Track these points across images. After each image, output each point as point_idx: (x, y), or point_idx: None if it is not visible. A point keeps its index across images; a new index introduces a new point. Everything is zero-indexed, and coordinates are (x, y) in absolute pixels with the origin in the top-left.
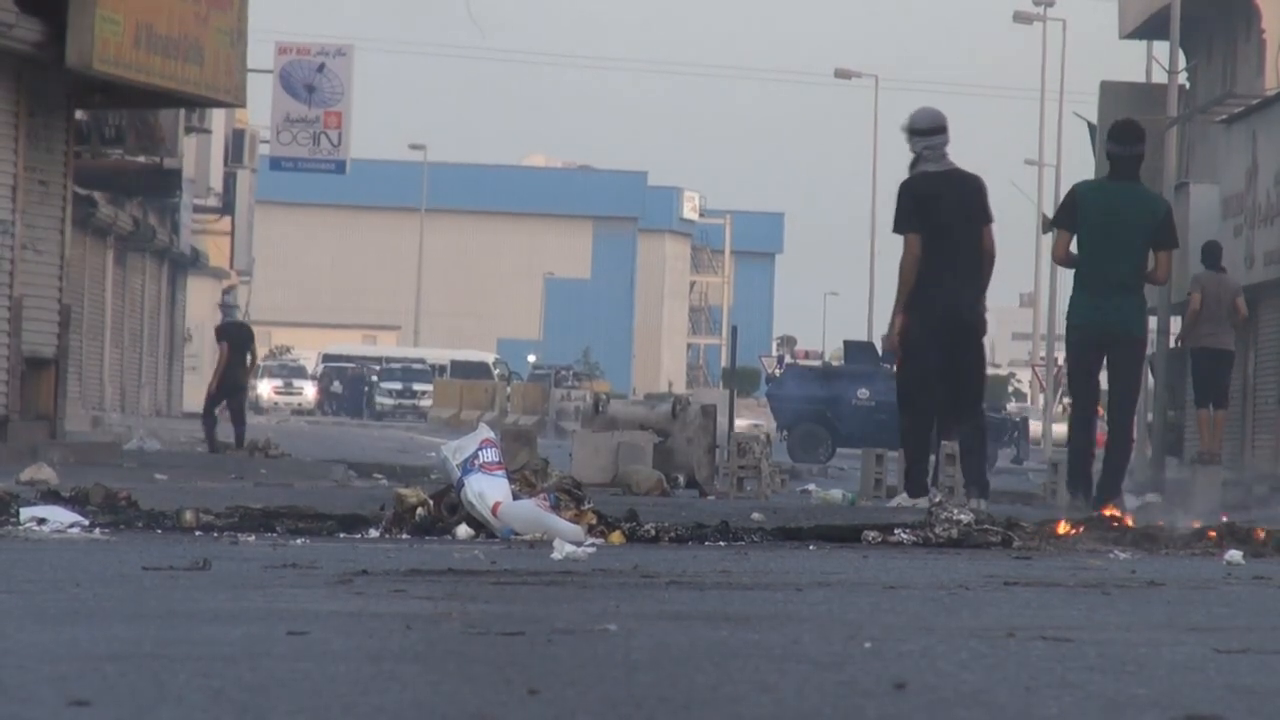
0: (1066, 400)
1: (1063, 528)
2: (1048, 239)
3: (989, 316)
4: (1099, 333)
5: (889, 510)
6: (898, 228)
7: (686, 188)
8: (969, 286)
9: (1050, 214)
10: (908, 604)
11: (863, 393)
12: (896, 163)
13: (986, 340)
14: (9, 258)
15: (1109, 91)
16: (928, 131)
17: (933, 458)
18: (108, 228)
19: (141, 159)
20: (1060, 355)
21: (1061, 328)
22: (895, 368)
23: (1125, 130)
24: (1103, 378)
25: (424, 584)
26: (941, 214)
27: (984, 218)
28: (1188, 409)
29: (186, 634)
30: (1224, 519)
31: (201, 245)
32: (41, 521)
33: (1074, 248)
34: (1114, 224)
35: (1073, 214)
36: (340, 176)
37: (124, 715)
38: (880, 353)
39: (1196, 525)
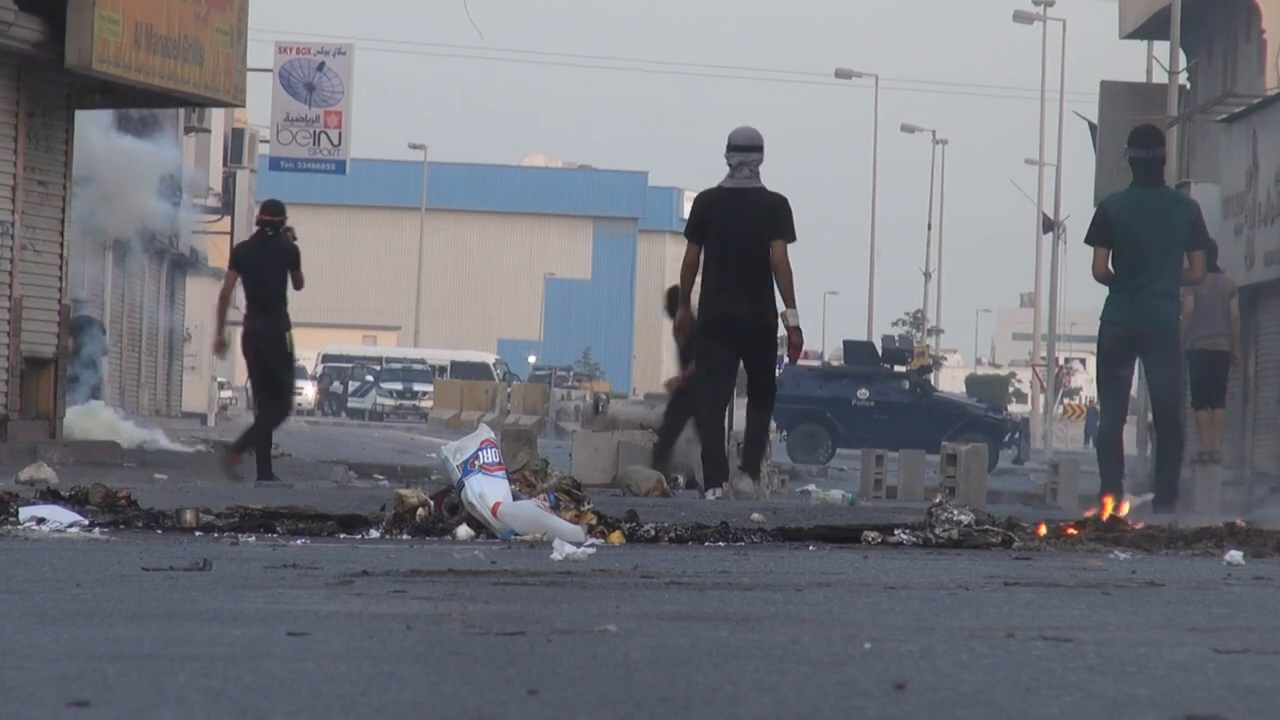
0: (1067, 401)
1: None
2: (1048, 239)
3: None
4: (1135, 332)
5: (888, 510)
6: (686, 232)
7: (687, 188)
8: (751, 298)
9: (1047, 213)
10: (908, 604)
11: (863, 393)
12: (897, 163)
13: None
14: (9, 258)
15: (1109, 91)
16: (743, 148)
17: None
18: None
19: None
20: (1061, 356)
21: (1061, 328)
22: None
23: (1146, 135)
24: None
25: (424, 584)
26: (724, 228)
27: (775, 235)
28: (1186, 409)
29: (186, 634)
30: (1239, 523)
31: (201, 245)
32: (41, 521)
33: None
34: (1150, 233)
35: (1107, 230)
36: (340, 176)
37: (124, 715)
38: (880, 352)
39: (1197, 525)
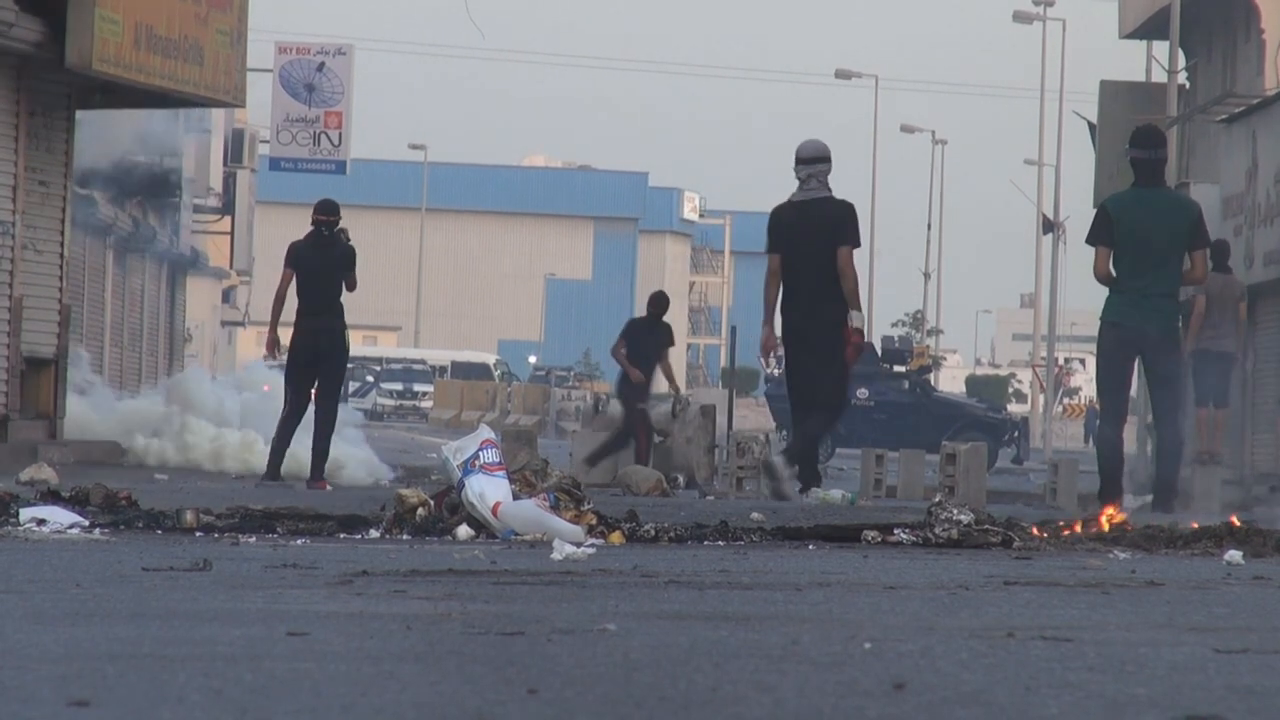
0: (1067, 400)
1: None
2: (1048, 239)
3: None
4: (1135, 333)
5: (888, 510)
6: (768, 249)
7: (687, 188)
8: (820, 303)
9: (1047, 213)
10: (908, 604)
11: (862, 393)
12: (896, 163)
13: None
14: (9, 258)
15: (1109, 91)
16: (810, 160)
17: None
18: (107, 228)
19: (141, 159)
20: (1061, 356)
21: (1061, 328)
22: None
23: (1147, 135)
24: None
25: (424, 584)
26: (794, 238)
27: (837, 241)
28: (1187, 410)
29: (186, 634)
30: (1234, 521)
31: (201, 245)
32: (41, 522)
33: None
34: (1151, 234)
35: (1109, 230)
36: (340, 176)
37: (124, 715)
38: (880, 352)
39: (1196, 525)
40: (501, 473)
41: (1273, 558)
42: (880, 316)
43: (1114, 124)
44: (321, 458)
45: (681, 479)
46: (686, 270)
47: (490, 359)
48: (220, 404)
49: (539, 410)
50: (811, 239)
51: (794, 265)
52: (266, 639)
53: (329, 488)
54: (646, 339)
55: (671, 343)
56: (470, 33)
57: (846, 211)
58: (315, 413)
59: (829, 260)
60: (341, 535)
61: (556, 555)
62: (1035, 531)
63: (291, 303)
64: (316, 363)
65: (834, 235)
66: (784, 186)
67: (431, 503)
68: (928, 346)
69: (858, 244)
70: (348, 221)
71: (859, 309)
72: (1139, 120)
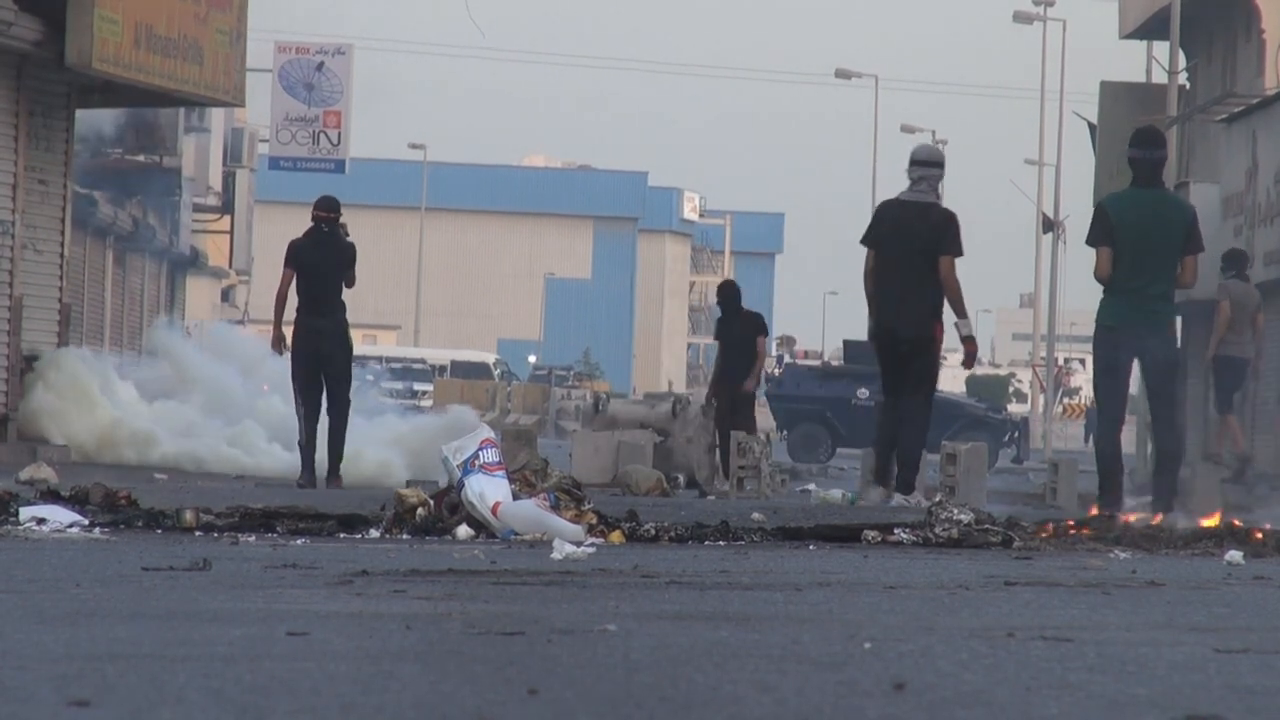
0: (1067, 400)
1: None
2: (1048, 239)
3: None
4: (1131, 334)
5: (890, 510)
6: (862, 240)
7: (687, 188)
8: (909, 307)
9: (1047, 213)
10: (908, 604)
11: (863, 393)
12: (896, 162)
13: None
14: (9, 257)
15: (1109, 91)
16: (924, 163)
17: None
18: (107, 227)
19: (141, 158)
20: (1061, 356)
21: (1061, 328)
22: None
23: (1147, 136)
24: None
25: (424, 584)
26: (890, 238)
27: (940, 250)
28: (1189, 411)
29: (186, 634)
30: (1234, 522)
31: (201, 245)
32: (41, 521)
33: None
34: (1149, 235)
35: (1109, 229)
36: (340, 176)
37: (124, 715)
38: None
39: (1198, 525)
40: (501, 472)
41: (1273, 558)
42: None
43: (1114, 124)
44: (337, 458)
45: (681, 479)
46: (686, 270)
47: (490, 358)
48: (223, 385)
49: (539, 410)
50: (910, 240)
51: (888, 262)
52: (266, 639)
53: (341, 482)
54: (730, 332)
55: (762, 331)
56: (470, 32)
57: (950, 220)
58: (327, 412)
59: (922, 263)
60: (341, 535)
61: (556, 555)
62: (1041, 532)
63: (292, 300)
64: (319, 361)
65: (935, 242)
66: (783, 185)
67: (431, 503)
68: None
69: (960, 253)
70: (348, 220)
71: (966, 317)
72: (1139, 120)
